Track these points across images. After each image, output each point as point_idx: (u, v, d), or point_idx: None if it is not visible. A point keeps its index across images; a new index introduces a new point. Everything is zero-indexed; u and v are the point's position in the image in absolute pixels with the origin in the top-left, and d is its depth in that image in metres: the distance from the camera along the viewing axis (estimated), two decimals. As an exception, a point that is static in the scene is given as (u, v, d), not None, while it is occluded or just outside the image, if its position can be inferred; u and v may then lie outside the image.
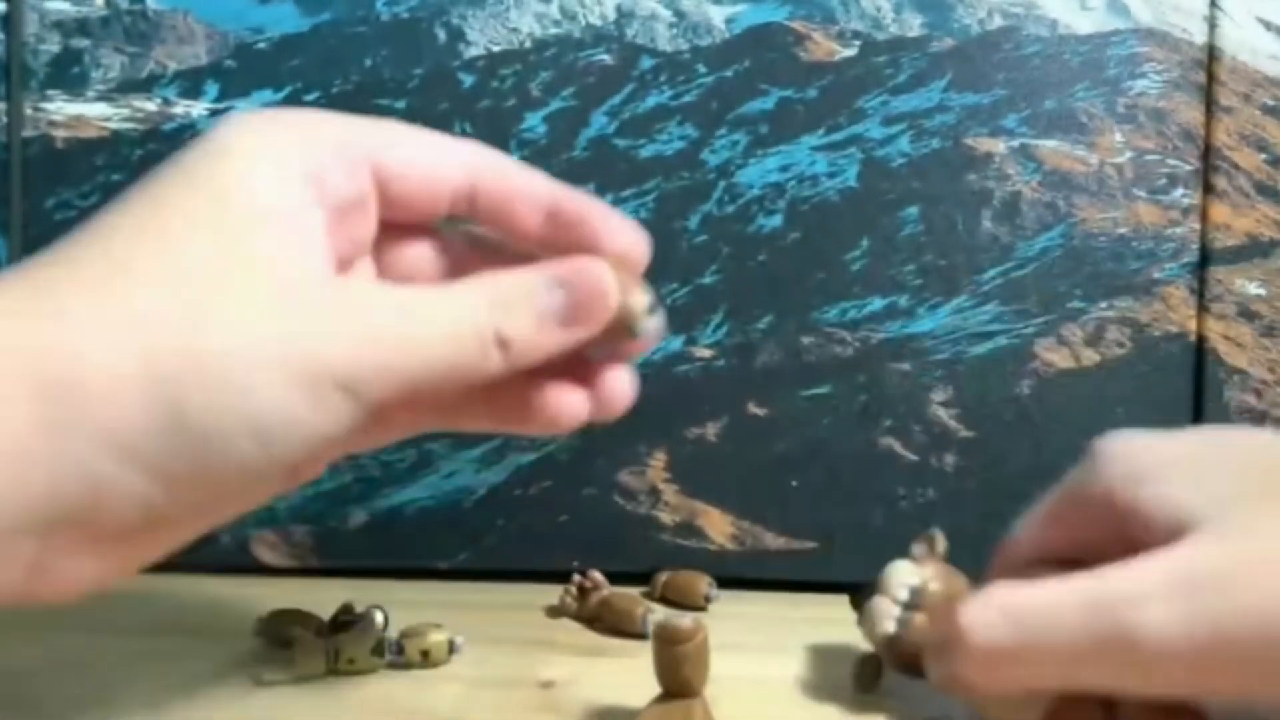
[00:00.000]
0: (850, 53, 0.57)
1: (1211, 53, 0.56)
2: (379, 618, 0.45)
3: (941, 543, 0.44)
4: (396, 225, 0.33)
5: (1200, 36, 0.56)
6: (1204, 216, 0.56)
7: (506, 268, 0.32)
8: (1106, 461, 0.31)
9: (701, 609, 0.53)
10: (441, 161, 0.33)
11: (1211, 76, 0.56)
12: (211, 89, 0.58)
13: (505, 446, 0.57)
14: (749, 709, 0.42)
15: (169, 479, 0.27)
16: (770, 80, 0.58)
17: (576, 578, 0.52)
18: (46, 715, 0.42)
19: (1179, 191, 0.56)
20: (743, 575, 0.56)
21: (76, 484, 0.27)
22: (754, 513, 0.56)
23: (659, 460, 0.57)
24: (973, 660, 0.28)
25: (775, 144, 0.57)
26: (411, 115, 0.58)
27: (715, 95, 0.58)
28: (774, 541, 0.56)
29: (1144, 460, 0.31)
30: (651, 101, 0.58)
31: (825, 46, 0.58)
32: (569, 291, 0.31)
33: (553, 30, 0.58)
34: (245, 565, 0.57)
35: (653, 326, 0.33)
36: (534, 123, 0.58)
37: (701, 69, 0.58)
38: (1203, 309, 0.56)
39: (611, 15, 0.58)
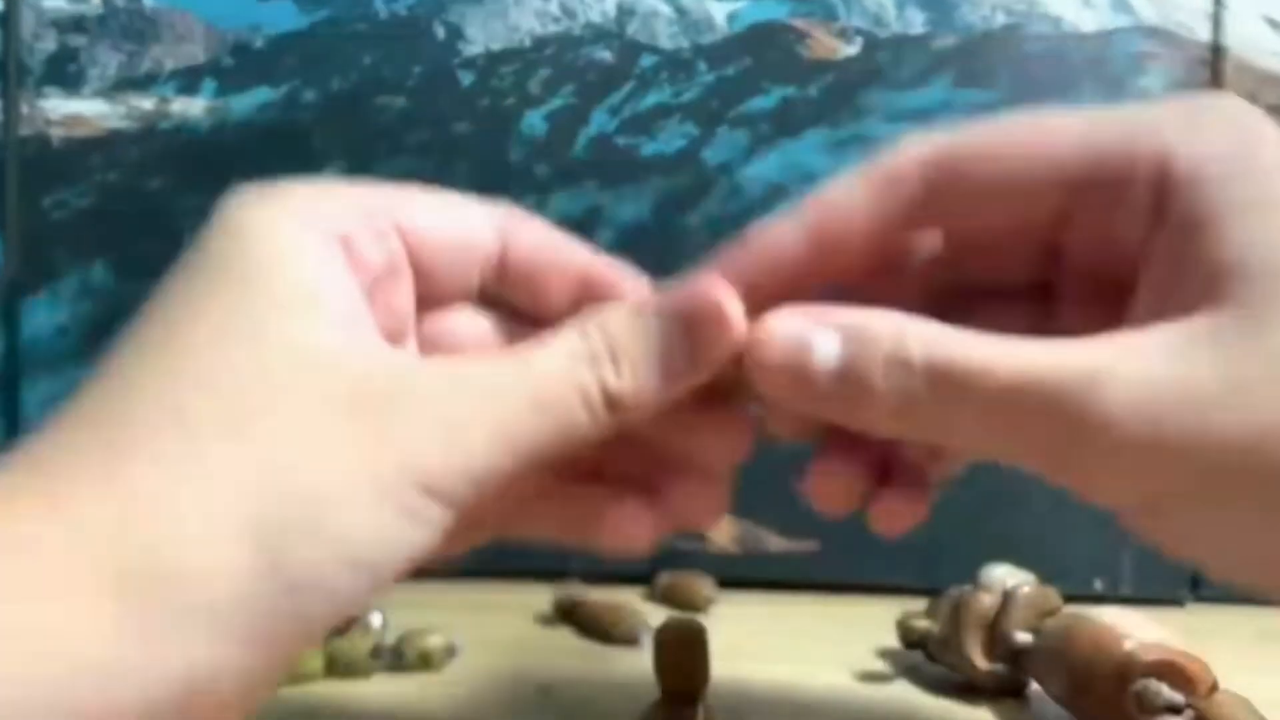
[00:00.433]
0: (852, 50, 0.57)
1: (1216, 51, 0.56)
2: (377, 620, 0.45)
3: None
4: (430, 297, 0.30)
5: (1205, 34, 0.56)
6: (1208, 215, 0.56)
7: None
8: (1179, 124, 0.26)
9: (702, 611, 0.53)
10: (471, 226, 0.30)
11: (1216, 75, 0.56)
12: (209, 87, 0.58)
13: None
14: (749, 711, 0.42)
15: (269, 641, 0.24)
16: (772, 78, 0.57)
17: (568, 582, 0.52)
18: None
19: (1183, 190, 0.56)
20: (743, 576, 0.56)
21: (172, 687, 0.23)
22: (754, 514, 0.56)
23: (659, 461, 0.56)
24: (880, 408, 0.26)
25: (777, 142, 0.57)
26: (411, 114, 0.57)
27: (716, 93, 0.58)
28: (774, 543, 0.56)
29: (1247, 167, 0.25)
30: (652, 99, 0.58)
31: (827, 44, 0.57)
32: (680, 325, 0.27)
33: (553, 28, 0.58)
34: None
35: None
36: (534, 121, 0.58)
37: (702, 67, 0.58)
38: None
39: (612, 12, 0.58)
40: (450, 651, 0.46)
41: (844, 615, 0.45)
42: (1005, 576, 0.44)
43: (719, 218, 0.57)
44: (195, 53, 0.58)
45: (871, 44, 0.57)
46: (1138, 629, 0.38)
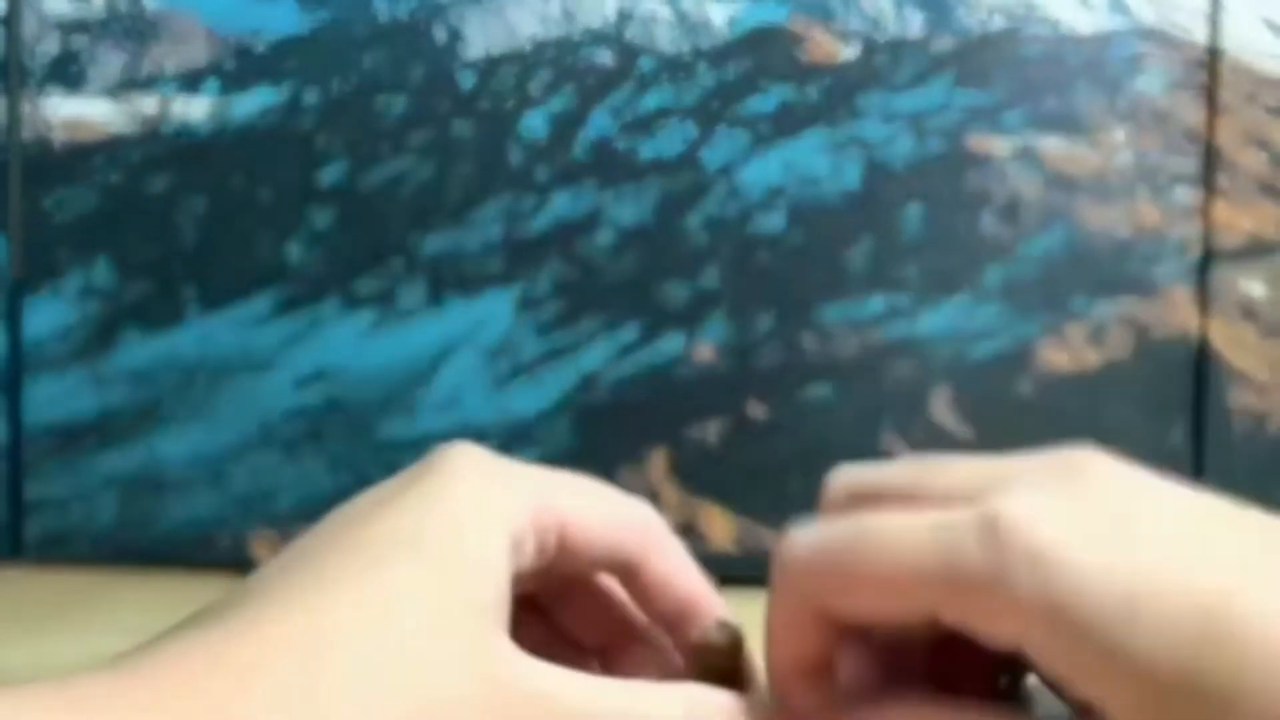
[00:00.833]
0: (851, 53, 0.57)
1: (1214, 53, 0.56)
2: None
3: None
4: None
5: (1202, 36, 0.56)
6: (1206, 217, 0.56)
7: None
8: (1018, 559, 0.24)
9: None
10: (622, 528, 0.30)
11: (1214, 76, 0.56)
12: (211, 88, 0.58)
13: (505, 446, 0.57)
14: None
15: None
16: (771, 80, 0.58)
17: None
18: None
19: (1181, 192, 0.56)
20: (743, 575, 0.56)
21: None
22: (754, 513, 0.56)
23: (659, 460, 0.56)
24: None
25: (776, 144, 0.57)
26: (411, 115, 0.58)
27: (716, 95, 0.58)
28: (774, 541, 0.56)
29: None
30: (652, 102, 0.58)
31: (826, 46, 0.58)
32: None
33: (552, 30, 0.58)
34: (245, 565, 0.57)
35: None
36: (534, 123, 0.58)
37: (702, 69, 0.58)
38: (1204, 309, 0.56)
39: (612, 15, 0.58)
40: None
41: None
42: None
43: (718, 219, 0.57)
44: (197, 54, 0.58)
45: (870, 46, 0.57)
46: None
